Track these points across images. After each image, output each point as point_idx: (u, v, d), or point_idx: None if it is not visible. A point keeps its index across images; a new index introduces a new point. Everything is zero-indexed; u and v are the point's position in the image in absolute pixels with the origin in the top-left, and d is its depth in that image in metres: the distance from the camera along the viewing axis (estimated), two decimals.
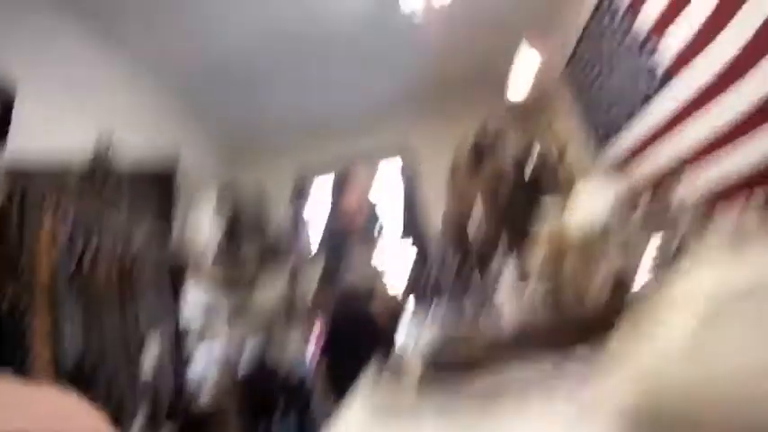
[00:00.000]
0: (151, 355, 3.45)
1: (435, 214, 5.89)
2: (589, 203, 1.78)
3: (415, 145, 6.15)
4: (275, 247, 6.01)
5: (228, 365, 5.19)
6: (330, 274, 2.76)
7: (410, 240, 5.95)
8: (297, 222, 6.20)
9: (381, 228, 3.19)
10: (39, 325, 2.53)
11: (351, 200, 2.89)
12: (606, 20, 3.74)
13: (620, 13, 3.52)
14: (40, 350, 2.53)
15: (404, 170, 6.23)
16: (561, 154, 5.19)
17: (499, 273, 3.32)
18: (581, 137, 4.88)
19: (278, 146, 6.24)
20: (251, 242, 5.92)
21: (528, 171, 5.05)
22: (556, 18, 4.41)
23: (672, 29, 3.02)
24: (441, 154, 5.74)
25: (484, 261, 5.51)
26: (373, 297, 2.82)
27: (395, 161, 6.32)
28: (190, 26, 3.54)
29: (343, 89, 5.32)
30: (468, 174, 5.58)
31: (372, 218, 3.12)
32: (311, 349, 5.63)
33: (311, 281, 2.78)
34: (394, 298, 3.02)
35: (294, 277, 5.91)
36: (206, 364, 4.83)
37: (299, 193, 6.28)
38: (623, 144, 4.22)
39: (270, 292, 6.01)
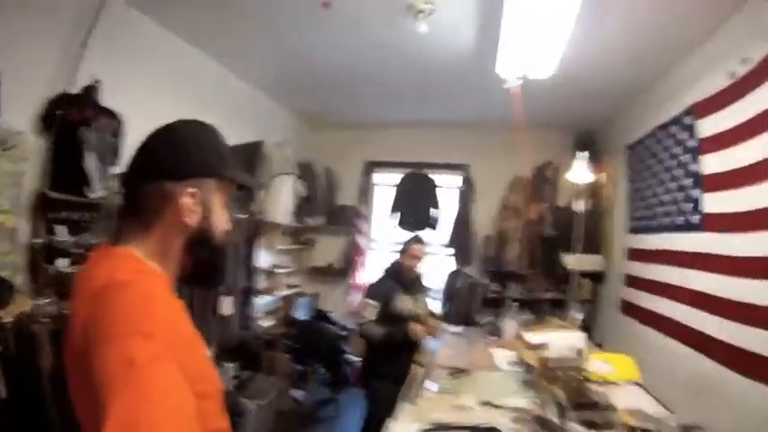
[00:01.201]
0: (226, 306, 4.39)
1: (480, 232, 6.59)
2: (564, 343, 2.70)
3: (473, 166, 6.71)
4: (340, 217, 6.91)
5: (284, 315, 6.22)
6: (382, 309, 3.67)
7: (454, 251, 6.50)
8: (361, 200, 6.96)
9: (421, 284, 4.08)
10: None
11: (407, 261, 3.78)
12: (674, 129, 4.08)
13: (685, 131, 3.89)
14: None
15: (460, 186, 6.75)
16: (600, 218, 5.83)
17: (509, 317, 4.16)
18: (622, 215, 5.36)
19: (352, 137, 6.98)
20: (319, 212, 6.83)
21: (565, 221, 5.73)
22: (641, 97, 4.77)
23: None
24: (492, 180, 6.55)
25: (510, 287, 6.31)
26: (412, 320, 3.69)
27: (453, 176, 6.84)
28: (292, 43, 4.13)
29: (419, 106, 5.84)
30: (520, 203, 6.28)
31: (418, 278, 4.02)
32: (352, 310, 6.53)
33: (369, 317, 3.66)
34: (432, 321, 3.84)
35: (351, 245, 6.86)
36: (267, 313, 5.86)
37: (366, 177, 7.03)
38: (642, 241, 4.75)
39: (328, 256, 7.03)
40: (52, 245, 2.98)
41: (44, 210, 2.99)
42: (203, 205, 1.10)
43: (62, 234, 3.04)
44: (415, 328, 3.60)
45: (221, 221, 1.16)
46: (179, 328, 0.97)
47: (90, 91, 3.24)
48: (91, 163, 3.14)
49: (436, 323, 3.84)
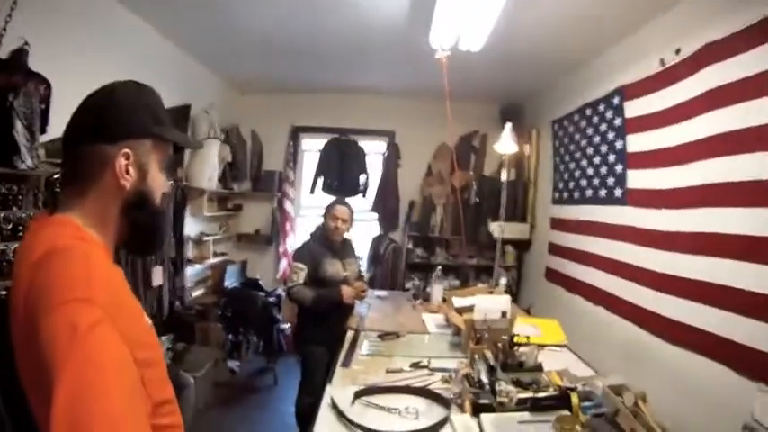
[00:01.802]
0: (157, 276, 4.29)
1: (403, 199, 6.72)
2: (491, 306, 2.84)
3: (399, 133, 6.82)
4: (266, 183, 6.84)
5: (214, 284, 6.16)
6: (311, 273, 3.68)
7: (378, 216, 6.63)
8: (288, 165, 6.84)
9: (351, 249, 4.12)
10: None
11: (330, 223, 3.78)
12: (602, 107, 4.29)
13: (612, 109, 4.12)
14: None
15: (385, 152, 6.80)
16: (526, 188, 6.05)
17: (436, 281, 4.32)
18: (547, 186, 5.57)
19: (279, 101, 6.86)
20: (245, 177, 6.73)
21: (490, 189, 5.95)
22: (571, 74, 4.94)
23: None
24: (419, 147, 6.68)
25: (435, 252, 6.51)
26: (341, 283, 3.74)
27: (378, 142, 6.95)
28: (221, 5, 3.93)
29: (349, 71, 5.75)
30: (446, 170, 6.43)
31: (347, 243, 4.06)
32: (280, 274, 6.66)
33: (297, 281, 3.65)
34: (360, 284, 3.86)
35: (279, 211, 6.80)
36: (197, 282, 5.81)
37: (293, 142, 6.91)
38: (566, 212, 5.01)
39: (255, 222, 6.96)
40: None
41: None
42: (139, 167, 1.08)
43: None
44: (347, 290, 3.68)
45: (158, 184, 1.14)
46: (120, 295, 0.97)
47: (18, 55, 2.98)
48: (20, 131, 2.97)
49: (364, 286, 3.90)
